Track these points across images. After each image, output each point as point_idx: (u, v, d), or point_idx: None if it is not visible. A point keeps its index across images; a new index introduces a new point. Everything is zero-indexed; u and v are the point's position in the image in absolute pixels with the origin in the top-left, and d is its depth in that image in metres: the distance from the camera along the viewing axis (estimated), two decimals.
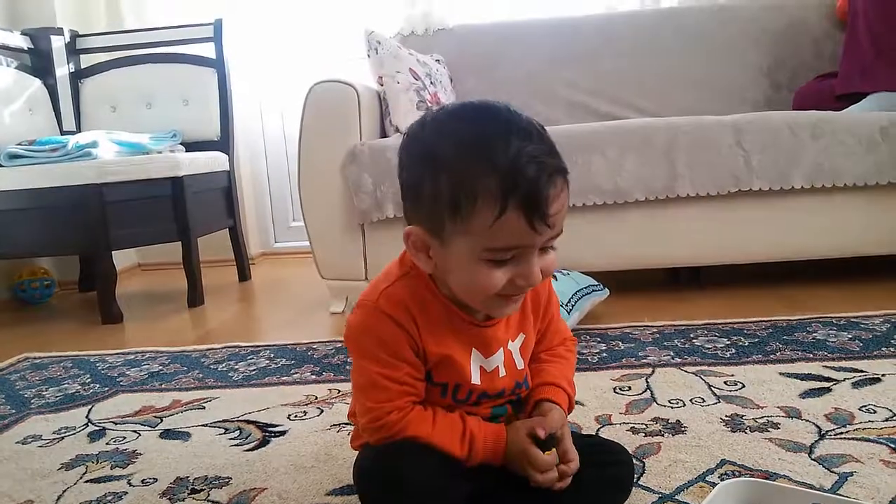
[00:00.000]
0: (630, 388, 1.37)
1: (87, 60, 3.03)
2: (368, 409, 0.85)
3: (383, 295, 0.85)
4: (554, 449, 0.84)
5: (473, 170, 0.73)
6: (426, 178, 0.77)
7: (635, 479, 0.99)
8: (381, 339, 0.84)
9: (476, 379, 0.87)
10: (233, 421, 1.36)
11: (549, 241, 0.78)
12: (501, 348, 0.89)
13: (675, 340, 1.66)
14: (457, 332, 0.86)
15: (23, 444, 1.32)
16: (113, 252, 2.35)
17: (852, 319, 1.73)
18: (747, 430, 1.14)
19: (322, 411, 1.37)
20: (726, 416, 1.21)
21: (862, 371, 1.38)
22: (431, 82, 2.51)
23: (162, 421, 1.39)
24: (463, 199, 0.73)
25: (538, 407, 0.90)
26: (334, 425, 1.28)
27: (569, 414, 0.94)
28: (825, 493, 0.90)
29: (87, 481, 1.14)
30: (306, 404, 1.41)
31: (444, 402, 0.88)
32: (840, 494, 0.92)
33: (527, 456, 0.83)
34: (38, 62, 2.90)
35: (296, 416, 1.35)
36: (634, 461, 1.04)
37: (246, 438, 1.26)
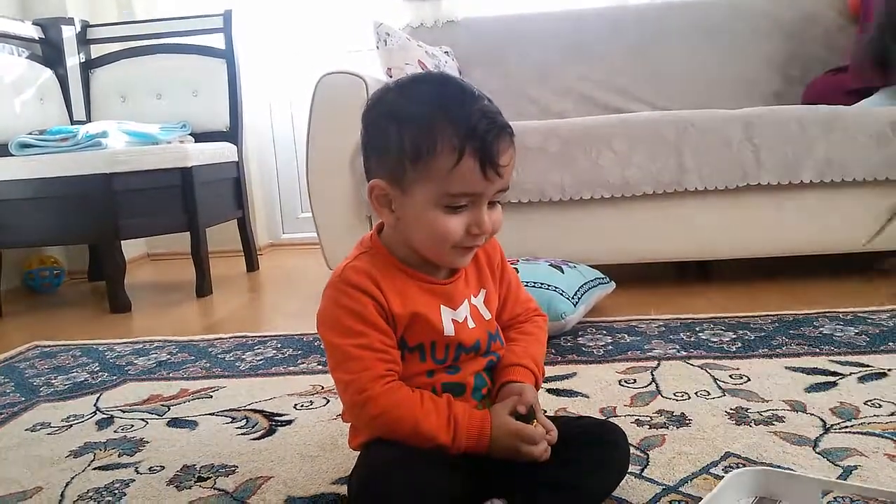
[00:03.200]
0: (635, 380, 1.38)
1: (97, 51, 3.04)
2: (347, 383, 0.86)
3: (346, 269, 0.90)
4: (535, 422, 0.86)
5: (434, 122, 0.81)
6: (391, 132, 0.84)
7: (639, 472, 1.00)
8: (348, 308, 0.87)
9: (449, 329, 0.90)
10: (240, 410, 1.37)
11: (497, 195, 0.86)
12: (466, 301, 0.94)
13: (681, 334, 1.66)
14: (422, 293, 0.91)
15: (31, 431, 1.33)
16: (122, 241, 2.37)
17: (859, 314, 1.72)
18: (752, 424, 1.14)
19: (328, 401, 1.37)
20: (731, 409, 1.21)
21: (868, 366, 1.37)
22: None
23: (169, 409, 1.40)
24: (424, 147, 0.82)
25: (504, 388, 0.92)
26: (340, 415, 1.29)
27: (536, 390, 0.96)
28: (835, 480, 0.89)
29: (95, 469, 1.15)
30: (313, 394, 1.42)
31: (424, 368, 0.90)
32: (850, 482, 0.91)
33: (518, 434, 0.85)
34: (48, 52, 2.91)
35: (302, 406, 1.36)
36: (639, 453, 1.05)
37: (252, 427, 1.27)
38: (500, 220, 0.89)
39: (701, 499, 0.91)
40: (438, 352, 0.91)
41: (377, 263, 0.90)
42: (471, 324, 0.93)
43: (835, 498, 0.88)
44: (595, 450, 0.89)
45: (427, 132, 0.81)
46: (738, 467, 0.99)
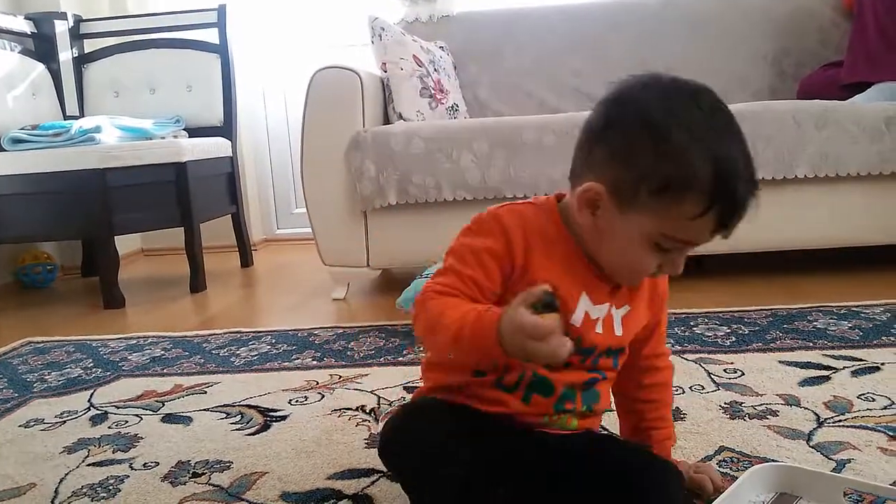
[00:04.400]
0: None
1: (90, 45, 3.02)
2: (425, 287, 0.81)
3: (508, 207, 0.84)
4: (556, 315, 0.71)
5: (697, 161, 0.72)
6: (643, 148, 0.74)
7: None
8: (479, 235, 0.82)
9: (577, 318, 0.83)
10: (234, 406, 1.36)
11: None
12: (607, 304, 0.85)
13: (676, 328, 1.66)
14: (572, 272, 0.83)
15: (25, 427, 1.33)
16: (115, 237, 2.36)
17: (853, 308, 1.73)
18: (746, 418, 1.14)
19: (323, 396, 1.37)
20: (725, 403, 1.21)
21: (861, 360, 1.38)
22: (435, 69, 2.50)
23: (164, 405, 1.39)
24: (675, 184, 0.73)
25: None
26: (335, 410, 1.29)
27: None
28: (857, 479, 0.89)
29: (89, 465, 1.14)
30: (307, 389, 1.42)
31: None
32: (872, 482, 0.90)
33: (521, 327, 0.69)
34: (41, 46, 2.89)
35: (297, 402, 1.36)
36: None
37: (247, 423, 1.27)
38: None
39: (695, 493, 0.91)
40: None
41: (542, 221, 0.83)
42: (598, 328, 0.85)
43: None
44: (619, 496, 0.79)
45: (685, 170, 0.72)
46: (733, 461, 1.00)
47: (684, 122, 0.74)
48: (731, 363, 1.41)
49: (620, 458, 0.85)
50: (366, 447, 1.14)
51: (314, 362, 1.60)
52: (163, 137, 2.60)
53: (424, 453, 0.79)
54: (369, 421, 1.24)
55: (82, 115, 2.88)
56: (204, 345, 1.79)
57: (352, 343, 1.72)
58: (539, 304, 0.71)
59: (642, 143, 0.74)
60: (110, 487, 1.06)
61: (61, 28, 2.90)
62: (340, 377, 1.48)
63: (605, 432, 1.03)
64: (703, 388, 1.28)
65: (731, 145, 0.74)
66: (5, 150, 2.36)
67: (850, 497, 0.85)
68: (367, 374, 1.48)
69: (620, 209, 0.76)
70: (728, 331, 1.62)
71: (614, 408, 0.98)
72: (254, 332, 1.88)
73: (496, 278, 0.80)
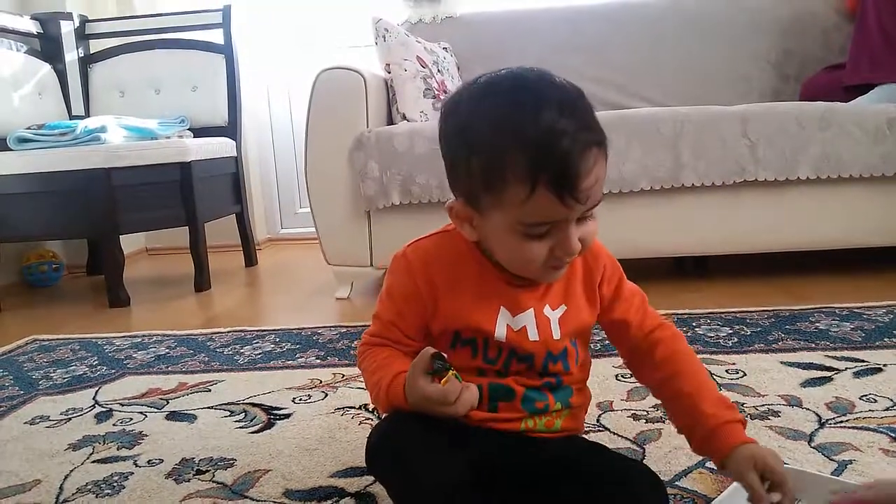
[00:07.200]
0: (632, 374, 1.38)
1: (95, 45, 3.03)
2: (364, 335, 0.93)
3: (412, 247, 0.89)
4: (451, 373, 0.80)
5: (502, 149, 0.73)
6: (460, 154, 0.78)
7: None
8: (394, 276, 0.89)
9: (502, 335, 0.85)
10: (238, 404, 1.37)
11: (585, 212, 0.77)
12: (532, 309, 0.86)
13: (678, 329, 1.66)
14: (486, 290, 0.86)
15: (30, 424, 1.34)
16: (121, 236, 2.37)
17: (855, 310, 1.73)
18: (748, 418, 1.14)
19: (326, 395, 1.38)
20: None
21: (863, 361, 1.38)
22: (439, 70, 2.51)
23: (168, 403, 1.40)
24: (494, 177, 0.74)
25: (734, 463, 0.80)
26: (338, 409, 1.30)
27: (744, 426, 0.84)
28: (844, 480, 0.88)
29: (93, 461, 1.15)
30: (311, 388, 1.43)
31: (475, 365, 0.86)
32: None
33: (428, 398, 0.79)
34: (47, 47, 2.91)
35: (300, 400, 1.36)
36: (635, 447, 1.05)
37: (251, 421, 1.28)
38: (594, 233, 0.80)
39: (696, 492, 0.92)
40: (490, 351, 0.87)
41: (449, 248, 0.87)
42: (531, 335, 0.86)
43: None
44: (618, 495, 0.79)
45: (495, 161, 0.74)
46: None
47: (486, 115, 0.76)
48: (734, 364, 1.41)
49: (600, 462, 0.86)
50: None
51: (318, 361, 1.61)
52: (168, 137, 2.61)
53: (411, 463, 0.79)
54: (372, 419, 1.24)
55: (88, 114, 2.89)
56: (208, 343, 1.80)
57: (355, 342, 1.72)
58: (431, 370, 0.80)
59: (460, 150, 0.79)
60: (114, 484, 1.06)
61: (67, 28, 2.92)
62: (344, 376, 1.48)
63: (592, 441, 1.02)
64: None
65: (536, 118, 0.72)
66: (11, 150, 2.38)
67: None
68: None
69: (480, 214, 0.80)
70: (730, 331, 1.62)
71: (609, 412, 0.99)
72: (258, 330, 1.89)
73: (412, 320, 0.88)
